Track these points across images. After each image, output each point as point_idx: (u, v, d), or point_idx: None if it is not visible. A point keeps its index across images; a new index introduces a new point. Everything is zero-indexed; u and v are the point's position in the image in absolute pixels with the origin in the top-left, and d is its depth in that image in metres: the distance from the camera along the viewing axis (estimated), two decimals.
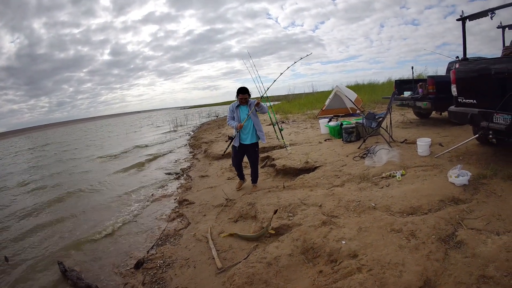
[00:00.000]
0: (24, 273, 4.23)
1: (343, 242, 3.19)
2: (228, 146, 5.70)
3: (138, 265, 3.87)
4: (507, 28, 5.71)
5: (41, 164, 14.51)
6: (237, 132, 5.38)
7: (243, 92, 5.33)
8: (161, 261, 3.84)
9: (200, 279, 3.33)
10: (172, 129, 24.42)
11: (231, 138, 5.54)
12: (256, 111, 5.43)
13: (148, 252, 4.26)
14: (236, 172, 6.15)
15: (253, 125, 5.43)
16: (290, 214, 4.10)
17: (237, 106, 5.47)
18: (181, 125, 27.49)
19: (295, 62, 6.53)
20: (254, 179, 5.80)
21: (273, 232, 3.83)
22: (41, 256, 4.64)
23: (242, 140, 5.46)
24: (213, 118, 33.37)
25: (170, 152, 12.99)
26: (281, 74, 6.49)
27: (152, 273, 3.63)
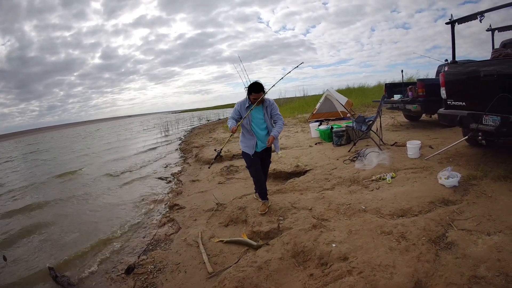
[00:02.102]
0: (13, 278, 4.14)
1: (334, 245, 3.18)
2: (213, 161, 5.05)
3: (129, 270, 3.81)
4: (496, 31, 5.79)
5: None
6: (252, 138, 4.43)
7: (257, 90, 4.13)
8: (152, 266, 3.78)
9: (191, 283, 3.29)
10: (163, 135, 24.25)
11: (218, 154, 4.65)
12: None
13: (139, 257, 4.19)
14: (255, 189, 4.91)
15: (267, 132, 4.45)
16: (280, 218, 4.08)
17: (248, 106, 4.30)
18: (171, 131, 27.29)
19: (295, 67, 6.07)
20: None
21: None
22: (32, 261, 4.56)
23: (258, 147, 4.46)
24: (204, 122, 33.27)
25: (161, 159, 12.90)
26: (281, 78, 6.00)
27: (143, 278, 3.57)
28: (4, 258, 4.58)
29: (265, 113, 4.35)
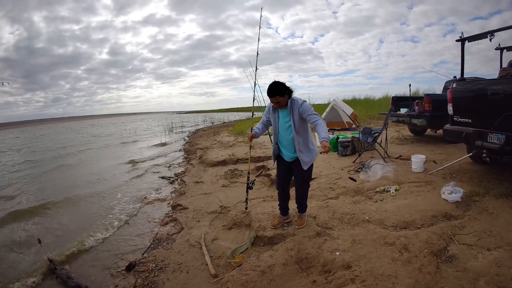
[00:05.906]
0: (12, 270, 4.17)
1: (337, 253, 3.22)
2: (247, 196, 4.61)
3: (130, 267, 3.86)
4: (505, 50, 5.83)
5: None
6: (274, 144, 3.85)
7: (271, 94, 3.43)
8: (153, 265, 3.83)
9: (193, 284, 3.33)
10: (167, 134, 24.31)
11: (250, 185, 4.32)
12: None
13: (143, 254, 4.25)
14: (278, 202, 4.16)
15: (293, 139, 3.60)
16: (284, 224, 4.12)
17: (275, 108, 3.68)
18: (175, 131, 27.34)
19: None
20: (300, 207, 4.01)
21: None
22: (31, 254, 4.59)
23: (283, 154, 3.80)
24: (209, 124, 33.35)
25: (164, 157, 12.96)
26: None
27: (144, 276, 3.62)
28: (39, 241, 4.73)
29: (291, 117, 3.54)
